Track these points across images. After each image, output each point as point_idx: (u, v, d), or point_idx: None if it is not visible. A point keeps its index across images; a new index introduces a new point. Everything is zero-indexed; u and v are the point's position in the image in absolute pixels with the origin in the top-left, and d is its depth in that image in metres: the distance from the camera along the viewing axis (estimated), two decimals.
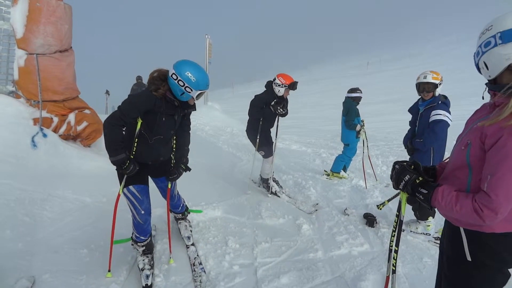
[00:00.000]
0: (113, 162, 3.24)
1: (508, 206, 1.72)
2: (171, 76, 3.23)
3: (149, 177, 3.81)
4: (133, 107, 3.20)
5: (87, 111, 6.53)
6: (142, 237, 3.60)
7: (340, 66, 54.58)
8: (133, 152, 3.39)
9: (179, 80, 3.19)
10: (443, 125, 4.42)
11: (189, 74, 3.18)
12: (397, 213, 2.46)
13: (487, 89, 1.94)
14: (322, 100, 26.15)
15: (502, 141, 1.70)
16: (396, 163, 2.28)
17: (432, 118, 4.49)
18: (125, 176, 3.39)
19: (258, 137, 6.03)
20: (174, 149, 3.74)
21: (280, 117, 6.08)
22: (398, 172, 2.21)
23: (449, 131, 4.50)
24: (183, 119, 3.69)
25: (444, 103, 4.54)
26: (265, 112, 5.89)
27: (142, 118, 3.31)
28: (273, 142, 6.22)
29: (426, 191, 2.02)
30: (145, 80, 13.70)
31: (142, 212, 3.47)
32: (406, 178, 2.14)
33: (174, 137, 3.70)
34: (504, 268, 1.94)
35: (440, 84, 4.55)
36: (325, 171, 7.97)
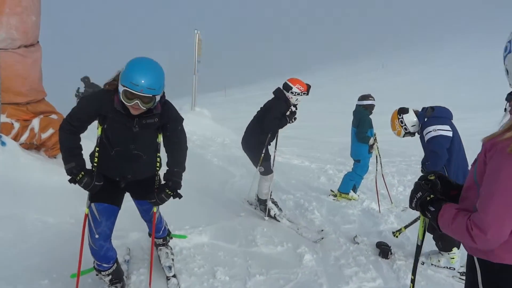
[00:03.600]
0: (66, 172, 3.27)
1: (500, 228, 1.78)
2: None
3: (132, 197, 3.80)
4: (79, 107, 3.27)
5: (54, 116, 6.48)
6: (105, 265, 3.51)
7: (350, 68, 55.00)
8: (95, 164, 3.37)
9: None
10: (438, 140, 4.61)
11: (127, 64, 3.02)
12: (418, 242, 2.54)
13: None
14: (329, 107, 26.28)
15: (494, 158, 1.82)
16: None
17: (426, 138, 4.75)
18: (88, 192, 3.38)
19: (263, 152, 6.00)
20: (158, 168, 3.67)
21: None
22: (413, 189, 2.31)
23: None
24: (166, 133, 3.54)
25: (433, 117, 4.76)
26: (281, 123, 5.94)
27: (100, 123, 3.30)
28: (271, 156, 6.21)
29: (434, 209, 2.11)
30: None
31: (96, 236, 3.36)
32: (418, 195, 2.24)
33: (158, 154, 3.65)
34: None
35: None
36: (331, 191, 7.95)
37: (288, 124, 6.15)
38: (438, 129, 4.60)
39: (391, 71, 44.55)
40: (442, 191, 2.25)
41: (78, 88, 16.11)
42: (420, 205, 2.21)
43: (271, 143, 6.20)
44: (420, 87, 32.72)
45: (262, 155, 5.99)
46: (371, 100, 7.37)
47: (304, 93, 5.89)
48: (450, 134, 4.59)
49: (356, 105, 7.47)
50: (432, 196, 2.18)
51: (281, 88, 5.97)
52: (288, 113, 5.93)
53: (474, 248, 1.99)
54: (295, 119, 6.01)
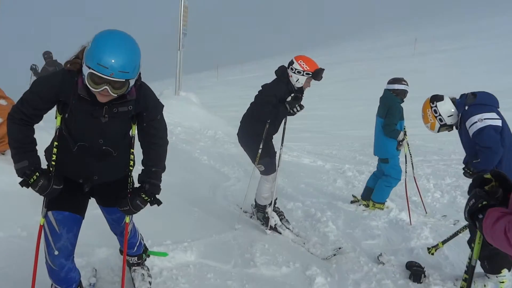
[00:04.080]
0: (16, 173, 3.20)
1: None
2: None
3: (98, 204, 3.78)
4: (32, 92, 3.16)
5: (3, 101, 6.47)
6: None
7: (375, 44, 54.83)
8: (52, 163, 3.31)
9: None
10: (489, 132, 4.57)
11: (93, 39, 2.93)
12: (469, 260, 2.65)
13: None
14: (348, 93, 26.26)
15: None
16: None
17: (471, 132, 4.71)
18: (44, 198, 3.32)
19: (261, 146, 5.97)
20: (131, 167, 3.65)
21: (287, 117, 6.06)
22: (469, 197, 2.36)
23: None
24: (142, 124, 3.49)
25: (476, 104, 4.74)
26: (279, 112, 5.84)
27: (60, 111, 3.24)
28: (275, 153, 6.18)
29: (482, 216, 2.16)
30: None
31: (55, 252, 3.32)
32: (471, 203, 2.29)
33: (132, 150, 3.63)
34: None
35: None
36: (353, 196, 7.96)
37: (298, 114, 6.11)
38: (485, 118, 4.56)
39: (425, 48, 44.28)
40: (503, 197, 2.26)
41: (35, 66, 16.03)
42: (469, 214, 2.26)
43: (273, 135, 6.18)
44: (461, 65, 32.60)
45: (260, 149, 5.95)
46: (404, 84, 7.29)
47: (308, 74, 5.72)
48: (499, 123, 4.57)
49: (385, 90, 7.40)
50: (485, 202, 2.22)
51: (286, 66, 5.92)
52: (289, 98, 5.82)
53: None
54: (299, 108, 5.81)
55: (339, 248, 5.78)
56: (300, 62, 5.73)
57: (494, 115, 4.59)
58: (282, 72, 5.88)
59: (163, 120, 3.61)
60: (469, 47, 40.55)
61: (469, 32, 49.77)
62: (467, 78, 24.91)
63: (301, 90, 5.90)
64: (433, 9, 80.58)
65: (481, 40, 42.93)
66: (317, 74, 5.71)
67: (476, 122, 4.61)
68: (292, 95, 5.79)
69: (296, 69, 5.72)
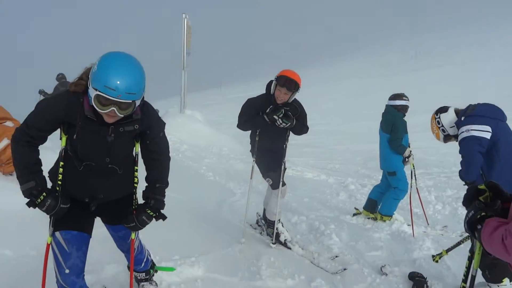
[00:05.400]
0: (23, 194, 3.19)
1: None
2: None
3: (104, 223, 3.78)
4: (38, 114, 3.17)
5: (9, 123, 6.49)
6: None
7: (375, 59, 54.93)
8: (58, 182, 3.32)
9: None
10: (467, 143, 4.68)
11: (99, 61, 2.95)
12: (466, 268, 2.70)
13: None
14: (348, 108, 26.27)
15: None
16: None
17: (458, 142, 4.86)
18: (51, 217, 3.32)
19: (253, 158, 6.10)
20: (135, 185, 3.64)
21: (292, 132, 6.05)
22: (468, 209, 2.40)
23: None
24: (145, 142, 3.53)
25: (472, 115, 4.80)
26: (259, 123, 5.83)
27: (65, 132, 3.25)
28: (281, 166, 6.12)
29: (480, 227, 2.20)
30: None
31: (66, 271, 3.31)
32: (470, 214, 2.33)
33: (136, 168, 3.64)
34: None
35: None
36: (356, 208, 7.98)
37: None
38: (471, 129, 4.64)
39: (424, 61, 44.22)
40: (502, 209, 2.30)
41: (43, 91, 16.15)
42: (469, 225, 2.31)
43: (274, 149, 6.14)
44: (461, 78, 32.60)
45: (253, 161, 6.10)
46: (405, 100, 7.37)
47: (275, 80, 5.63)
48: (486, 135, 4.58)
49: (386, 105, 7.48)
50: (484, 214, 2.26)
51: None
52: (268, 110, 5.73)
53: None
54: (281, 120, 5.71)
55: (336, 256, 5.88)
56: (280, 73, 5.70)
57: (484, 127, 4.60)
58: (267, 85, 5.84)
59: (165, 137, 3.64)
60: (467, 61, 40.50)
61: (464, 46, 49.60)
62: (469, 90, 24.90)
63: (286, 103, 5.76)
64: (431, 25, 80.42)
65: (477, 55, 42.80)
66: (279, 79, 5.58)
67: (463, 132, 4.71)
68: (271, 106, 5.74)
69: (275, 79, 5.69)
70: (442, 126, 5.12)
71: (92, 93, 2.88)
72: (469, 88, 26.80)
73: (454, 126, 5.03)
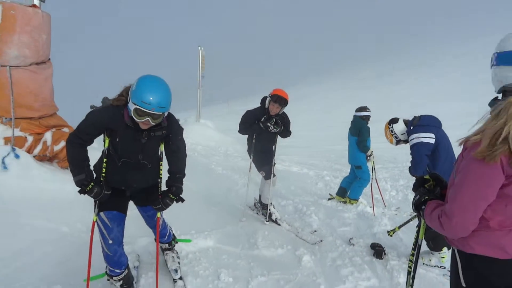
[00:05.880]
0: (75, 184, 3.27)
1: (463, 216, 1.98)
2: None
3: (136, 205, 3.81)
4: (88, 122, 3.24)
5: (65, 129, 6.51)
6: (117, 270, 3.51)
7: (347, 81, 54.58)
8: (102, 174, 3.38)
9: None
10: (417, 147, 4.67)
11: (137, 82, 3.04)
12: (414, 240, 2.78)
13: None
14: (326, 119, 26.26)
15: (464, 158, 2.03)
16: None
17: (410, 146, 4.84)
18: (97, 201, 3.39)
19: (251, 157, 6.16)
20: (161, 176, 3.68)
21: (279, 136, 6.06)
22: (415, 194, 2.46)
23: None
24: (169, 143, 3.59)
25: (418, 125, 4.79)
26: (256, 129, 5.89)
27: (108, 135, 3.31)
28: (271, 162, 6.18)
29: (424, 207, 2.29)
30: None
31: (110, 242, 3.38)
32: (416, 197, 2.40)
33: (161, 163, 3.66)
34: None
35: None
36: (330, 194, 8.02)
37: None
38: (420, 137, 4.65)
39: (387, 79, 43.88)
40: (441, 194, 2.37)
41: (94, 106, 16.23)
42: (415, 206, 2.37)
43: (266, 149, 6.19)
44: (415, 92, 32.47)
45: (250, 160, 6.17)
46: (367, 111, 7.54)
47: (270, 97, 5.68)
48: (431, 141, 4.61)
49: (354, 115, 7.59)
50: (427, 197, 2.33)
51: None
52: (262, 119, 5.80)
53: (453, 240, 2.17)
54: (274, 127, 5.78)
55: (315, 231, 5.89)
56: (272, 91, 5.77)
57: (430, 134, 4.63)
58: (262, 100, 5.92)
59: (183, 140, 3.71)
60: (424, 77, 40.09)
61: (422, 65, 48.66)
62: (422, 104, 24.88)
63: (277, 114, 5.81)
64: (395, 46, 79.15)
65: (434, 71, 42.21)
66: (273, 97, 5.65)
67: (413, 139, 4.73)
68: (265, 116, 5.79)
69: (268, 96, 5.77)
70: (395, 134, 5.13)
71: (132, 106, 2.99)
72: (417, 102, 26.74)
73: (404, 133, 5.04)
